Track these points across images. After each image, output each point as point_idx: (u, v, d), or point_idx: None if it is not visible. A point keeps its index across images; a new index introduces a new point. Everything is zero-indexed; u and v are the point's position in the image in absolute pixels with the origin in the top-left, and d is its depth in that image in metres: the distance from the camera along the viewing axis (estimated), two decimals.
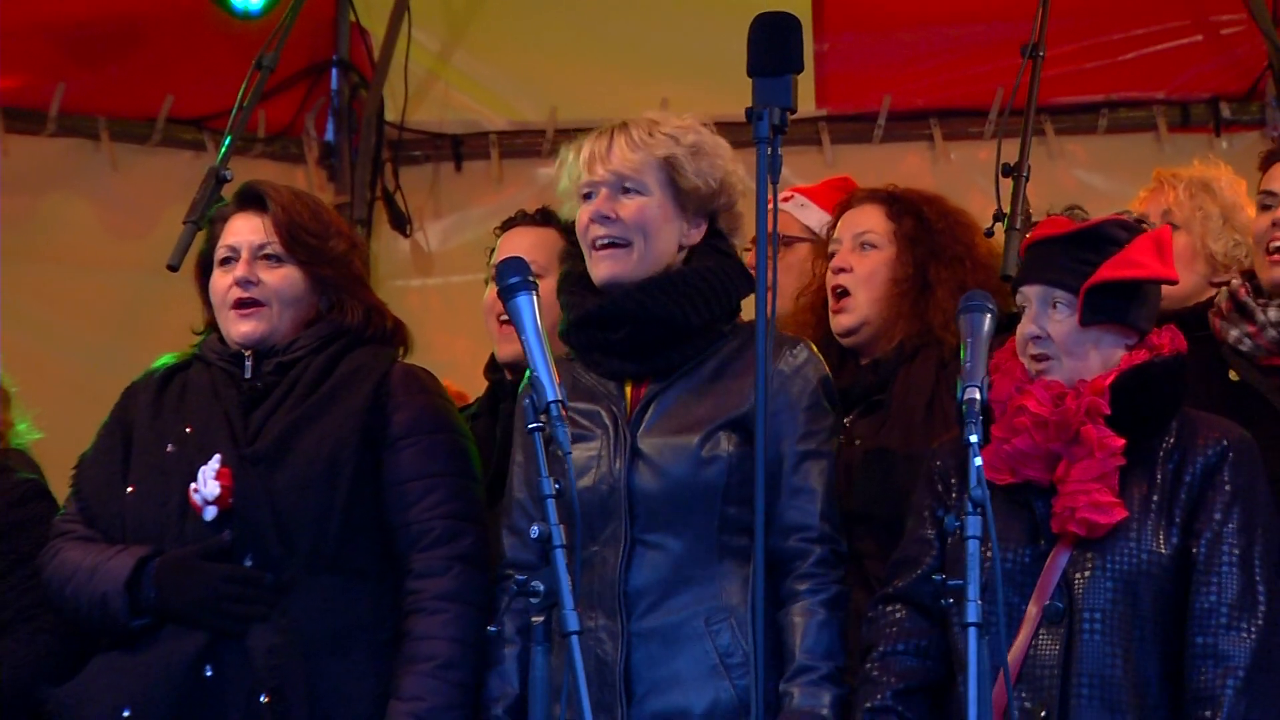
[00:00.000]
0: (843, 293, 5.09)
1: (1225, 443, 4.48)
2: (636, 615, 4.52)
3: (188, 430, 4.75)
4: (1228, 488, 4.46)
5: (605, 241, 4.65)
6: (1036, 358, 4.47)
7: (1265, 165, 5.18)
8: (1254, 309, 5.03)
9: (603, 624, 4.49)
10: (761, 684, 4.21)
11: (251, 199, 4.91)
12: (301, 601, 4.65)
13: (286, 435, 4.70)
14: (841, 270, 5.10)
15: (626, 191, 4.65)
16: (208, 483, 4.65)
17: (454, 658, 4.60)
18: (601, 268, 4.65)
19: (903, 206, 5.17)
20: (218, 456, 4.67)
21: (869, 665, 4.50)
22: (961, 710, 4.34)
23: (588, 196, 4.68)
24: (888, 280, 5.07)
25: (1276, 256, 5.02)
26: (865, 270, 5.09)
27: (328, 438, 4.70)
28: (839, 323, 5.10)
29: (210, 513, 4.65)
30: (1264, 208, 5.08)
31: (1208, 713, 4.34)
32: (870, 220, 5.14)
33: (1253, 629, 4.40)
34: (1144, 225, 4.64)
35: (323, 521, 4.66)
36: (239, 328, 4.81)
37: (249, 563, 4.64)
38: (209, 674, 4.62)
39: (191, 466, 4.68)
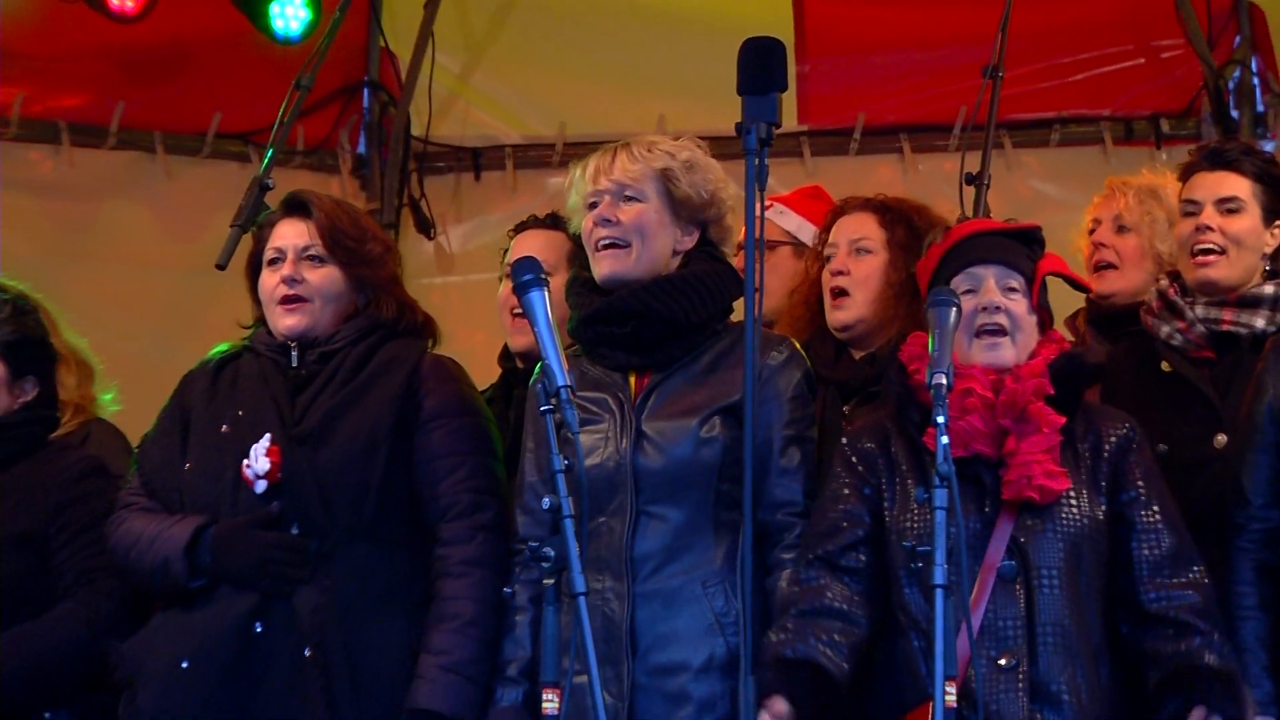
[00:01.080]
0: (840, 292, 5.07)
1: (1129, 425, 4.53)
2: (641, 578, 4.53)
3: (240, 413, 4.77)
4: (1144, 461, 4.50)
5: (607, 242, 4.66)
6: (991, 330, 4.46)
7: (1185, 176, 5.16)
8: (1183, 307, 5.03)
9: (610, 586, 4.50)
10: (750, 641, 4.23)
11: (297, 206, 4.93)
12: (342, 566, 4.68)
13: (329, 417, 4.73)
14: (839, 273, 5.08)
15: (627, 199, 4.66)
16: (259, 459, 4.67)
17: (477, 616, 4.62)
18: (604, 266, 4.66)
19: (895, 216, 5.14)
20: (268, 435, 4.69)
21: (788, 621, 4.45)
22: (912, 665, 4.40)
23: (593, 205, 4.68)
24: (882, 283, 5.03)
25: (1199, 259, 5.00)
26: (862, 273, 5.06)
27: (366, 420, 4.72)
28: (837, 319, 5.08)
29: (260, 486, 4.67)
30: (1186, 214, 5.07)
31: (1197, 640, 4.36)
32: (865, 228, 5.11)
33: (1200, 571, 4.43)
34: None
35: (361, 494, 4.69)
36: (285, 321, 4.82)
37: (295, 531, 4.66)
38: (259, 630, 4.64)
39: (244, 445, 4.70)
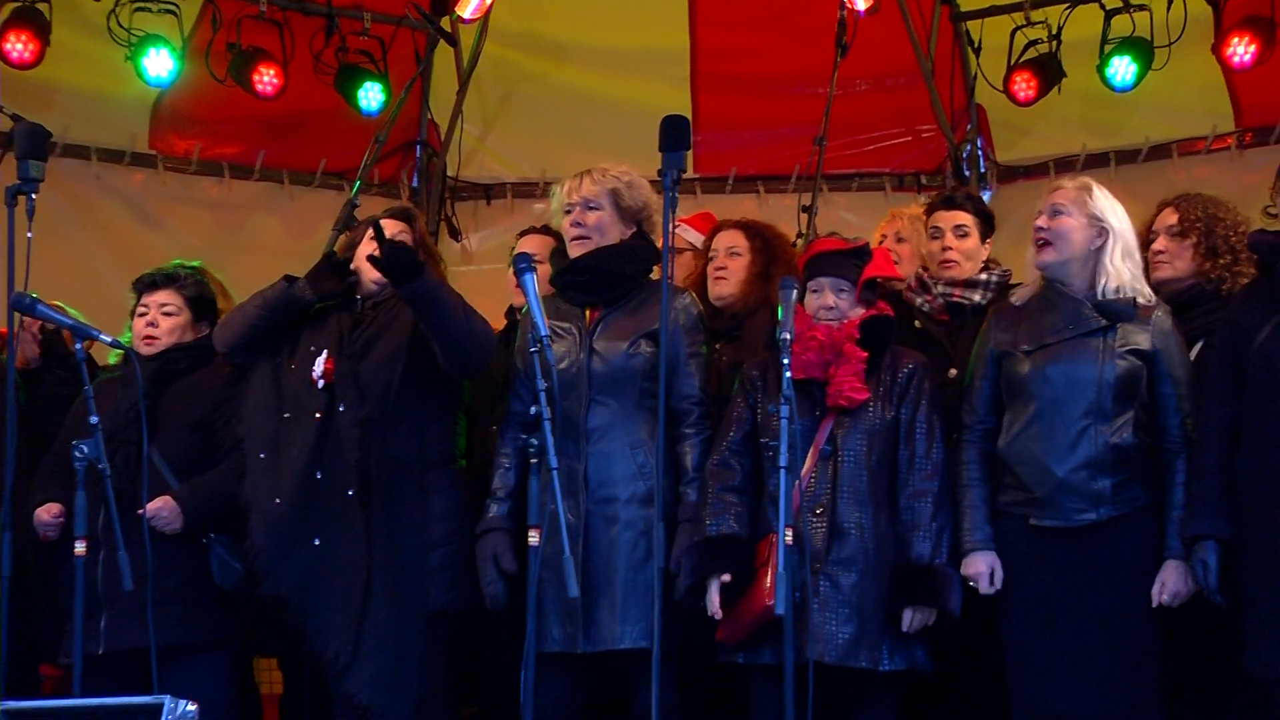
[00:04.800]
0: (720, 278, 5.05)
1: (916, 363, 4.47)
2: (591, 442, 4.46)
3: (319, 339, 4.70)
4: (923, 386, 4.44)
5: (577, 235, 4.62)
6: (826, 320, 4.46)
7: (929, 211, 5.15)
8: (930, 285, 5.02)
9: (571, 448, 4.43)
10: (661, 486, 4.25)
11: (403, 214, 4.90)
12: (376, 434, 4.57)
13: (368, 341, 4.64)
14: (720, 267, 5.06)
15: (590, 208, 4.60)
16: (319, 367, 4.62)
17: (466, 304, 4.57)
18: (574, 249, 4.63)
19: (754, 232, 5.12)
20: (325, 352, 4.63)
21: (709, 498, 4.42)
22: (764, 515, 4.37)
23: (568, 210, 4.64)
24: (746, 274, 5.02)
25: (945, 265, 5.01)
26: (734, 267, 5.04)
27: (390, 342, 4.63)
28: (716, 293, 5.05)
29: (321, 384, 4.61)
30: (933, 237, 5.07)
31: (915, 524, 4.36)
32: (735, 239, 5.09)
33: (934, 473, 4.38)
34: (872, 249, 4.64)
35: (386, 388, 4.58)
36: (374, 274, 4.71)
37: (342, 409, 4.58)
38: (319, 477, 4.56)
39: (317, 359, 4.66)
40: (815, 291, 4.46)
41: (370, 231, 4.76)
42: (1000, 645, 4.39)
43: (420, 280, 4.47)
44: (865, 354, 4.39)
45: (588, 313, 4.58)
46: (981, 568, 4.35)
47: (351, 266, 4.80)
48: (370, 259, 4.62)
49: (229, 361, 4.84)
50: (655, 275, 4.67)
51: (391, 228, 4.76)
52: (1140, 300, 4.40)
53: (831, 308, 4.44)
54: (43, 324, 5.21)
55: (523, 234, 5.34)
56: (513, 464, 4.57)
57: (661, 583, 4.16)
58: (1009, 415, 4.42)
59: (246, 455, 4.71)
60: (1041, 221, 4.44)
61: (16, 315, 4.46)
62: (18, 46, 6.65)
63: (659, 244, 4.70)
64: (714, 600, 4.29)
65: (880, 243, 5.35)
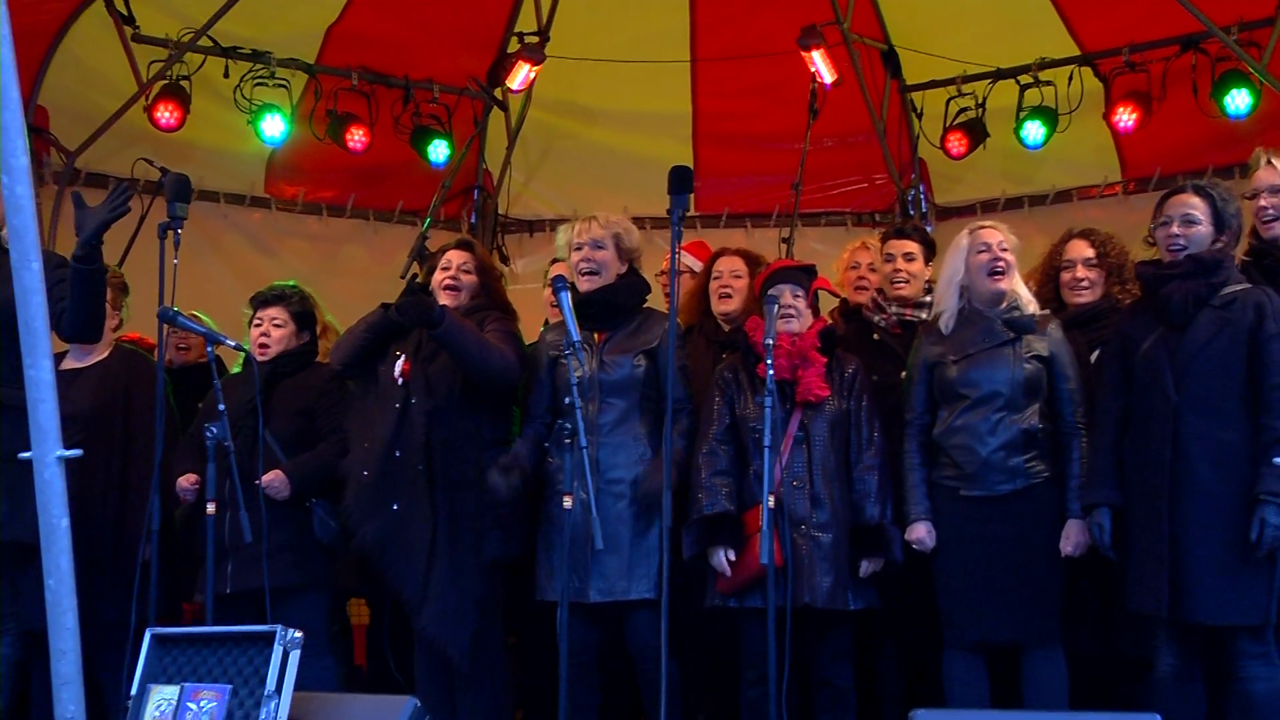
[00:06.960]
0: (726, 296, 5.02)
1: (856, 364, 4.51)
2: (602, 435, 4.46)
3: (402, 346, 4.71)
4: (864, 383, 4.49)
5: (587, 269, 4.60)
6: (787, 316, 4.45)
7: (884, 239, 5.13)
8: (885, 305, 5.00)
9: (586, 439, 4.40)
10: (669, 472, 4.17)
11: (466, 244, 4.90)
12: (442, 420, 4.57)
13: (438, 348, 4.62)
14: (726, 287, 5.04)
15: (597, 247, 4.59)
16: (397, 367, 4.63)
17: (484, 343, 4.54)
18: (584, 283, 4.61)
19: (752, 259, 5.11)
20: (403, 357, 4.64)
21: (703, 482, 4.40)
22: (751, 486, 4.38)
23: (578, 248, 4.62)
24: (748, 292, 4.98)
25: (896, 286, 4.99)
26: (738, 287, 5.02)
27: None
28: (723, 310, 5.03)
29: (400, 380, 4.61)
30: (887, 261, 5.04)
31: (866, 493, 4.40)
32: (738, 265, 5.07)
33: (876, 451, 4.43)
34: (819, 274, 4.66)
35: (452, 385, 4.58)
36: (444, 300, 4.73)
37: (414, 401, 4.57)
38: (397, 455, 4.57)
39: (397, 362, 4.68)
40: (774, 295, 4.45)
41: (443, 260, 4.79)
42: (934, 587, 4.44)
43: (440, 328, 4.46)
44: (825, 359, 4.43)
45: (595, 335, 4.59)
46: (922, 533, 4.40)
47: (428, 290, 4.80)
48: (396, 307, 4.60)
49: (344, 375, 4.85)
50: (647, 305, 4.70)
51: (458, 258, 4.79)
52: (1036, 314, 4.46)
53: (789, 305, 4.46)
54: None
55: (554, 261, 5.32)
56: (530, 446, 4.56)
57: (668, 545, 4.20)
58: (943, 410, 4.45)
59: (351, 439, 4.73)
60: (999, 253, 4.44)
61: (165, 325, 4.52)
62: (165, 114, 6.93)
63: (647, 278, 4.76)
64: (724, 564, 4.31)
65: (853, 269, 5.36)
